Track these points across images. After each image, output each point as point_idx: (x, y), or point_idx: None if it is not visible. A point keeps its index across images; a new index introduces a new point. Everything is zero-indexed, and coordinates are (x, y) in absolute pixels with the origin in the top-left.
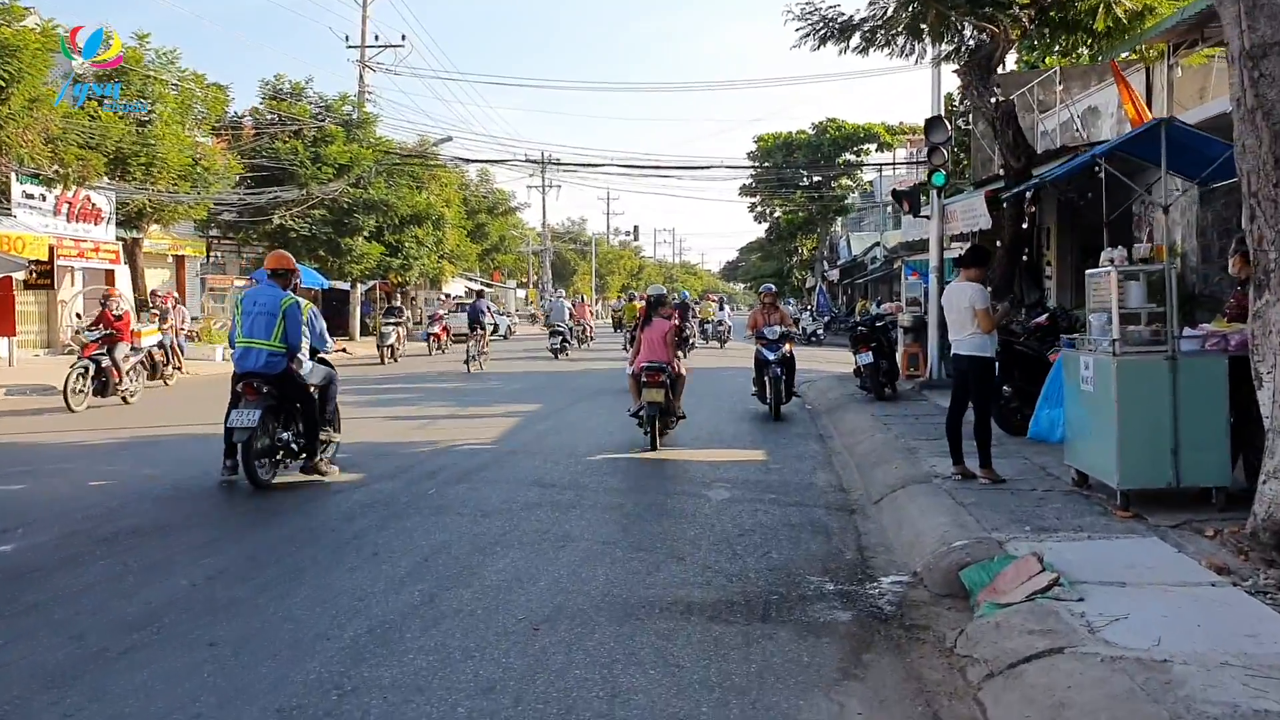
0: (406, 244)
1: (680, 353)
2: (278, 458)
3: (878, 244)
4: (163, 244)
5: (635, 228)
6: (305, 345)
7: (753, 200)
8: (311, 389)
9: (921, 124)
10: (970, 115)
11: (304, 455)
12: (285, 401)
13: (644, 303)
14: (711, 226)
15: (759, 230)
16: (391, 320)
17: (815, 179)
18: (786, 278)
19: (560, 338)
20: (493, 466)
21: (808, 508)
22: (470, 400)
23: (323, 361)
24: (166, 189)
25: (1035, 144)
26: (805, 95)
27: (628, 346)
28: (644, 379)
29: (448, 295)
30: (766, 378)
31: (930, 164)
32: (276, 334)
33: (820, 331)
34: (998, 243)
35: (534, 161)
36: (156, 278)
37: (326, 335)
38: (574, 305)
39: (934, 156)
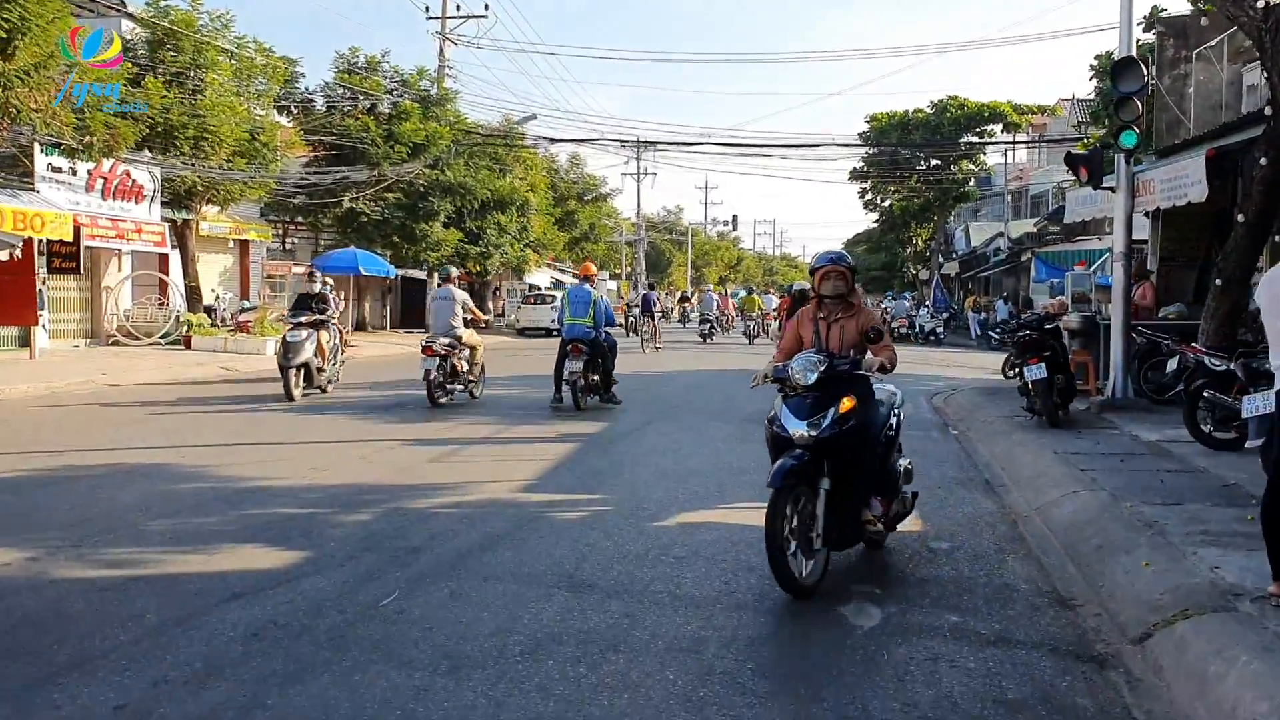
0: (488, 231)
1: None
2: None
3: (1000, 234)
4: (222, 226)
5: (734, 217)
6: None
7: (863, 186)
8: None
9: (1053, 103)
10: (1156, 69)
11: (604, 389)
12: (594, 356)
13: (788, 296)
14: (814, 216)
15: (866, 221)
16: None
17: (933, 163)
18: (898, 271)
19: (709, 324)
20: (507, 540)
21: (1020, 649)
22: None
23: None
24: (220, 166)
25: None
26: (925, 70)
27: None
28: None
29: (532, 286)
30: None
31: (1119, 120)
32: (590, 315)
33: (940, 330)
34: (1240, 217)
35: (625, 141)
36: (217, 264)
37: (613, 317)
38: (719, 297)
39: (1124, 110)
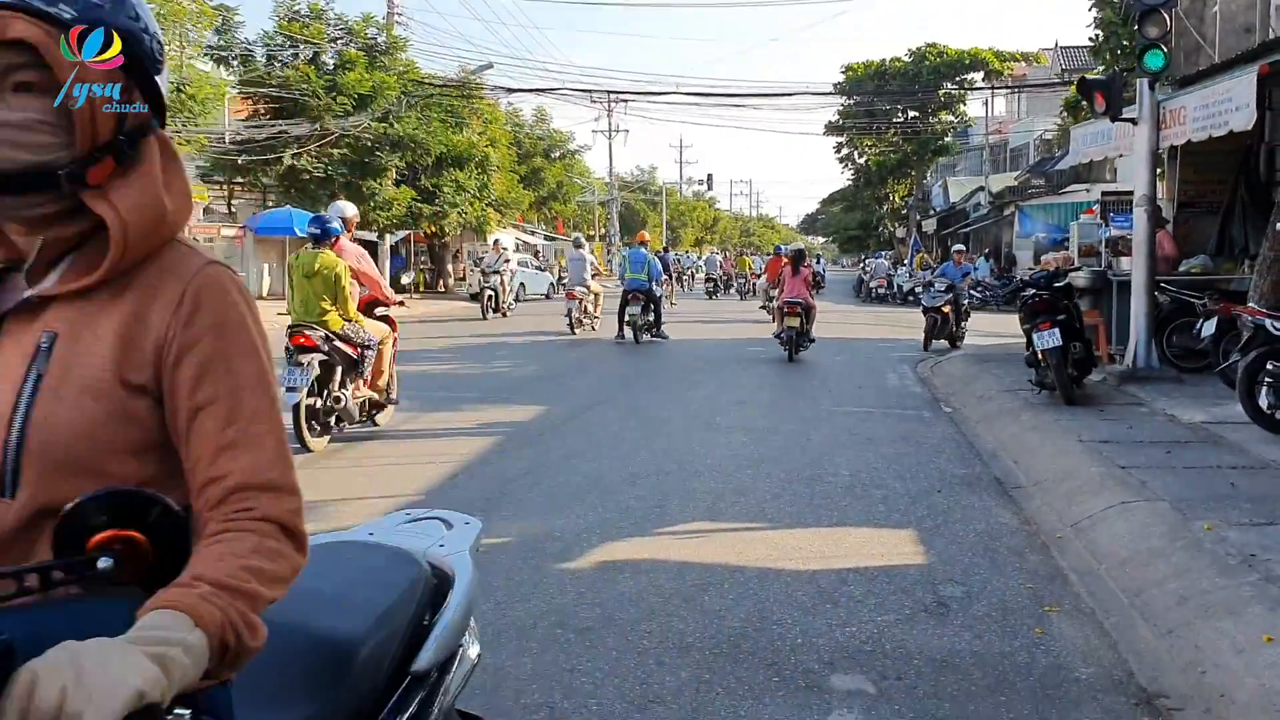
0: (444, 189)
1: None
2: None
3: (981, 189)
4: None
5: (709, 176)
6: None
7: (839, 140)
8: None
9: (1035, 51)
10: None
11: (657, 328)
12: (649, 303)
13: (783, 256)
14: (791, 175)
15: (843, 179)
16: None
17: (911, 114)
18: (874, 229)
19: (713, 283)
20: None
21: None
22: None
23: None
24: None
25: None
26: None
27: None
28: (785, 310)
29: (496, 241)
30: None
31: (1142, 37)
32: (645, 271)
33: (919, 290)
34: None
35: (589, 91)
36: None
37: (659, 273)
38: (723, 258)
39: (1148, 24)
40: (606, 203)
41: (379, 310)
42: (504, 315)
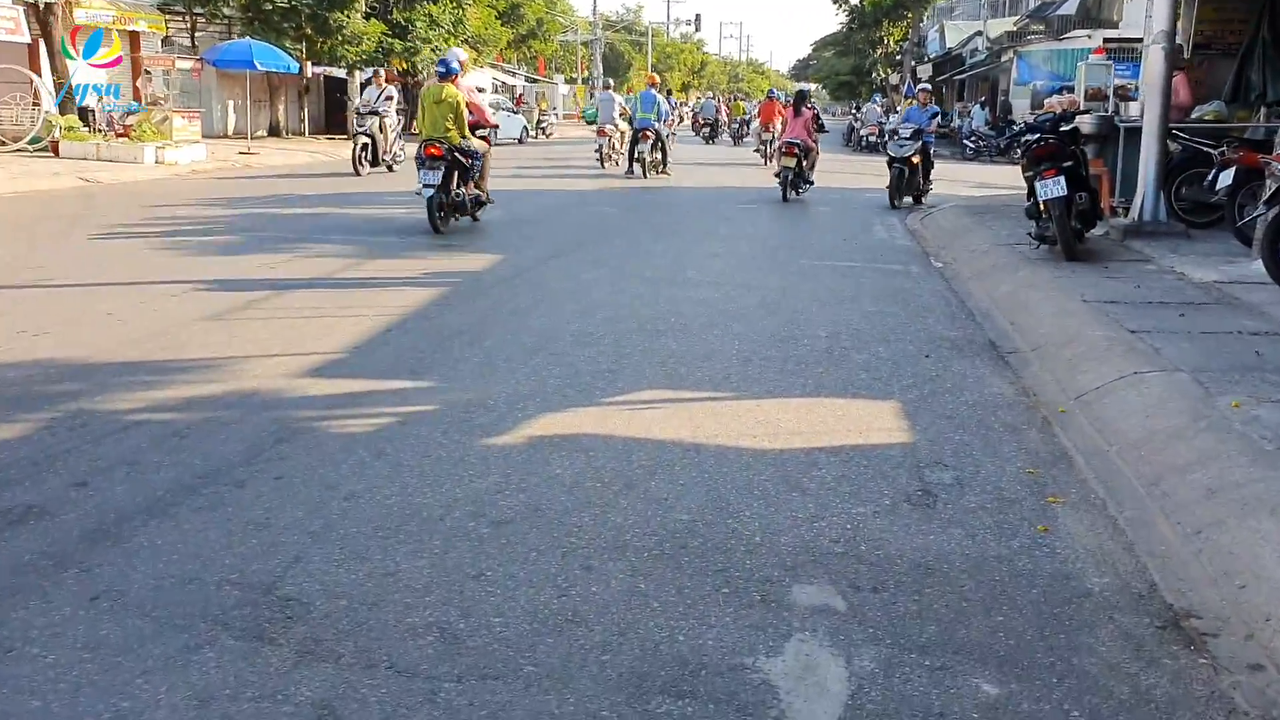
0: (416, 23)
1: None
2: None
3: (979, 33)
4: (105, 14)
5: (697, 16)
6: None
7: None
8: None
9: None
10: None
11: (664, 164)
12: (655, 139)
13: (776, 100)
14: (782, 18)
15: (835, 23)
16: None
17: None
18: (867, 75)
19: (709, 127)
20: (220, 482)
21: None
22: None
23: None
24: None
25: None
26: None
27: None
28: (784, 150)
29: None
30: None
31: None
32: (654, 112)
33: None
34: None
35: None
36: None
37: (667, 114)
38: (719, 103)
39: None
40: (590, 43)
41: (479, 131)
42: (389, 169)
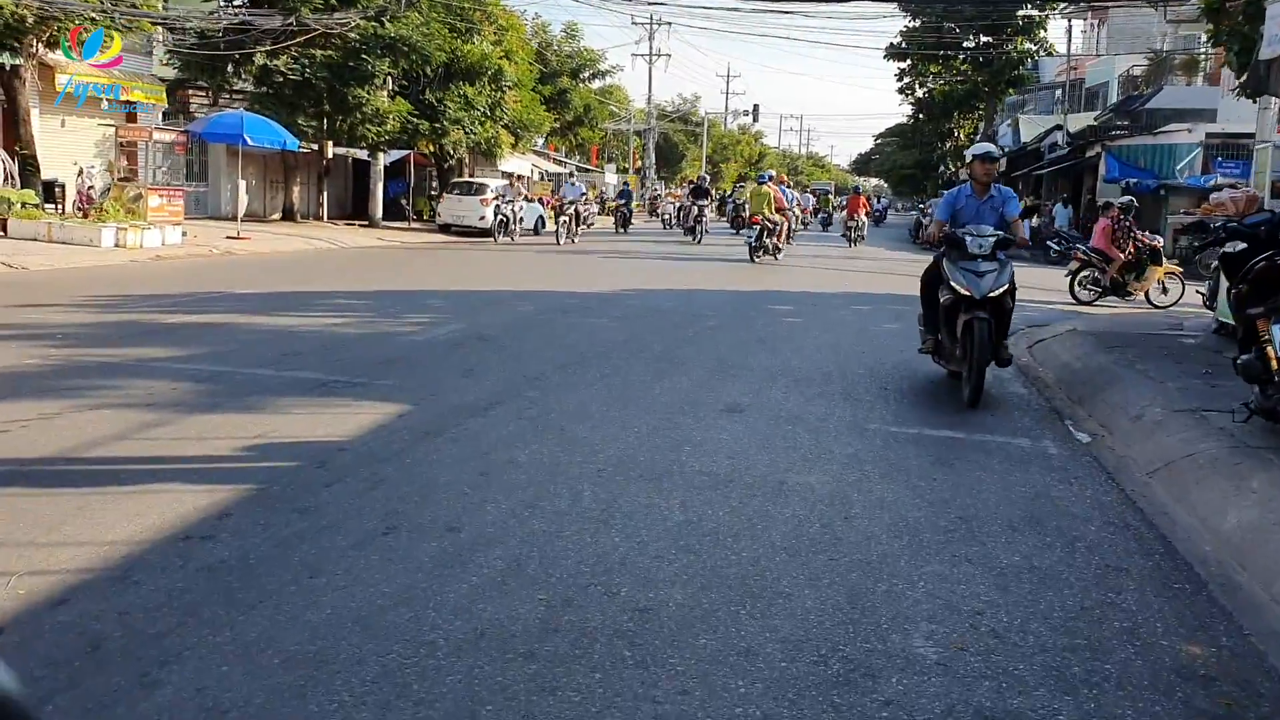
0: (448, 104)
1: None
2: None
3: (1058, 127)
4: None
5: (755, 106)
6: None
7: (900, 67)
8: None
9: None
10: None
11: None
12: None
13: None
14: (841, 109)
15: (899, 115)
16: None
17: (983, 40)
18: (934, 169)
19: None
20: None
21: None
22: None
23: None
24: None
25: None
26: None
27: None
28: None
29: (518, 176)
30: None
31: None
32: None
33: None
34: None
35: None
36: (91, 130)
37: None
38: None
39: None
40: (643, 132)
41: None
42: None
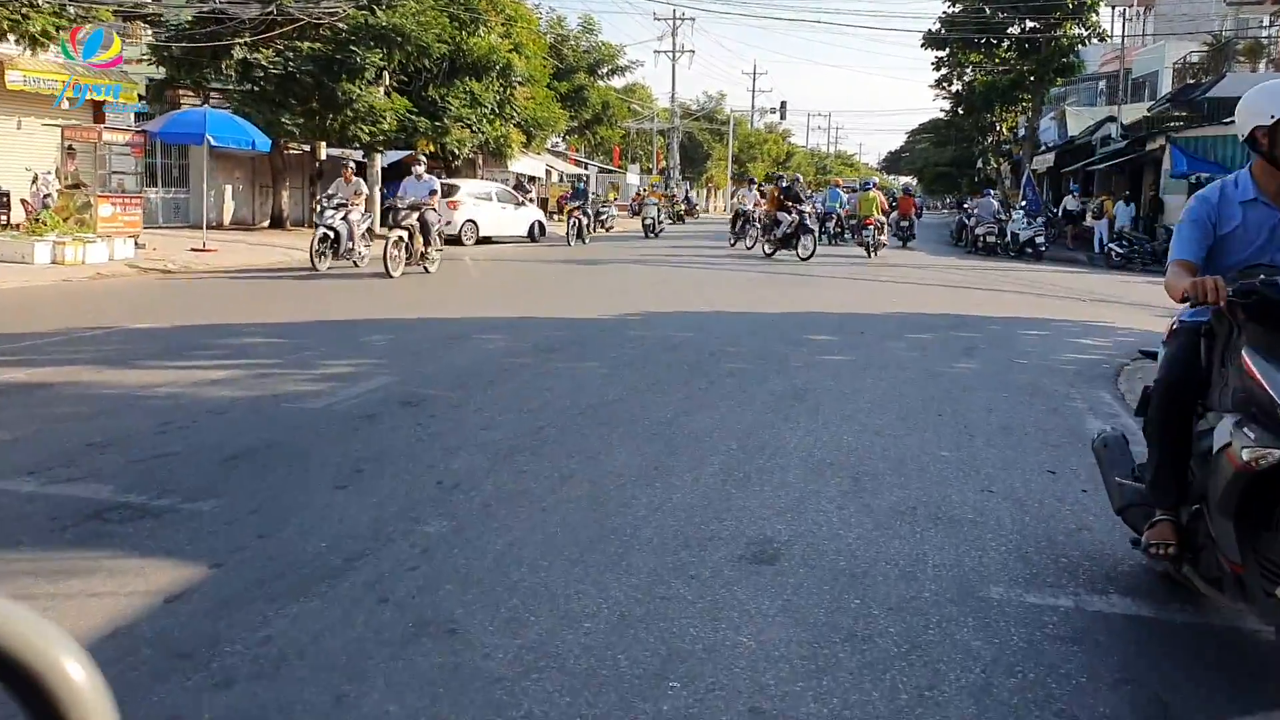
0: (450, 101)
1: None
2: None
3: (1110, 119)
4: (50, 80)
5: (782, 104)
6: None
7: (938, 56)
8: None
9: None
10: None
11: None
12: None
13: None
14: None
15: (932, 110)
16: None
17: (1029, 25)
18: (971, 165)
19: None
20: None
21: None
22: None
23: None
24: None
25: None
26: None
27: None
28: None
29: (532, 179)
30: None
31: None
32: (839, 203)
33: (1039, 239)
34: None
35: None
36: (52, 132)
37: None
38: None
39: None
40: (667, 131)
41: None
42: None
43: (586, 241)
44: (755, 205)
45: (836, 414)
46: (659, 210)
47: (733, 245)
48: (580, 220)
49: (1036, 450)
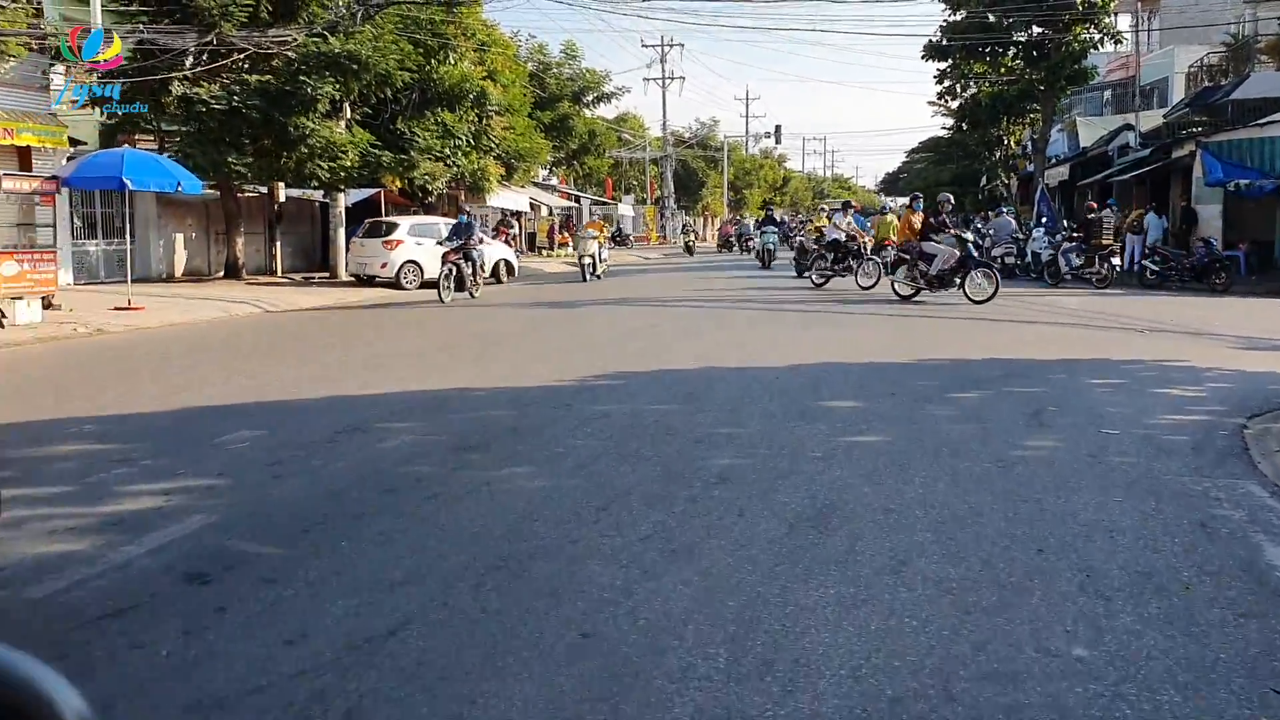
0: (418, 135)
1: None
2: None
3: (1128, 127)
4: None
5: (777, 128)
6: None
7: (940, 68)
8: None
9: None
10: None
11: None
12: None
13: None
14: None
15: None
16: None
17: (1036, 31)
18: (974, 184)
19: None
20: None
21: None
22: None
23: None
24: None
25: None
26: None
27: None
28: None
29: (516, 214)
30: None
31: None
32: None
33: (1062, 259)
34: None
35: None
36: None
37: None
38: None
39: None
40: (660, 160)
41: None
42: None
43: (475, 294)
44: (855, 234)
45: (883, 561)
46: (599, 247)
47: (821, 285)
48: (457, 266)
49: (1221, 626)
